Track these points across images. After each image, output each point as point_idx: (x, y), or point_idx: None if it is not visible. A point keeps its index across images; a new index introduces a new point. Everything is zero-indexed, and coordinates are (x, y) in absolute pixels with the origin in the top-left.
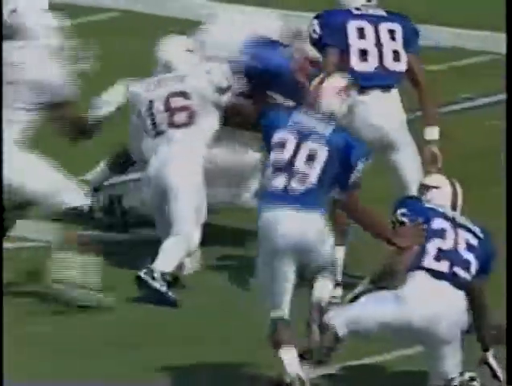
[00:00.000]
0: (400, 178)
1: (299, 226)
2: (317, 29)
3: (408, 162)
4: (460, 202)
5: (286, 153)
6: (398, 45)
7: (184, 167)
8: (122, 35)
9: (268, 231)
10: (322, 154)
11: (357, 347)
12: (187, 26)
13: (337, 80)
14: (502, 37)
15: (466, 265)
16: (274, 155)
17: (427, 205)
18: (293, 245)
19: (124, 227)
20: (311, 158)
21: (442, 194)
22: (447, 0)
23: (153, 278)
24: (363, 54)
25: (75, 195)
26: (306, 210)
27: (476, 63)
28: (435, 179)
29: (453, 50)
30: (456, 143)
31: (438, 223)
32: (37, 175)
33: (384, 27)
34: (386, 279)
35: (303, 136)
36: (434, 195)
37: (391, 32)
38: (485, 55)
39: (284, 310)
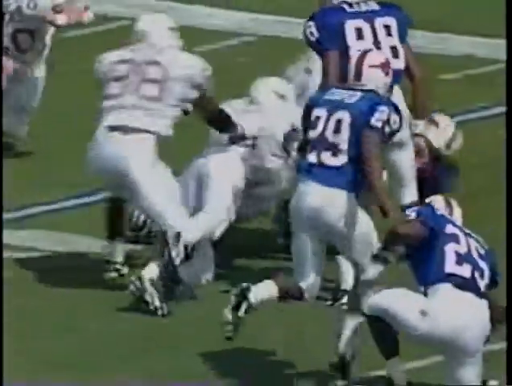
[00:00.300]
0: (397, 176)
1: (322, 200)
2: (314, 32)
3: (407, 162)
4: (456, 219)
5: (319, 129)
6: (395, 40)
7: (226, 166)
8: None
9: (296, 203)
10: (346, 121)
11: (373, 358)
12: (196, 35)
13: (379, 56)
14: None
15: (481, 272)
16: (310, 133)
17: (439, 213)
18: (314, 218)
19: None
20: (337, 127)
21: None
22: (460, 8)
23: (175, 244)
24: None
25: (191, 231)
26: (333, 186)
27: (490, 72)
28: (431, 198)
29: (468, 58)
30: (471, 152)
31: (451, 229)
32: (165, 198)
33: (380, 23)
34: (392, 244)
35: (332, 109)
36: None
37: (387, 28)
38: (499, 63)
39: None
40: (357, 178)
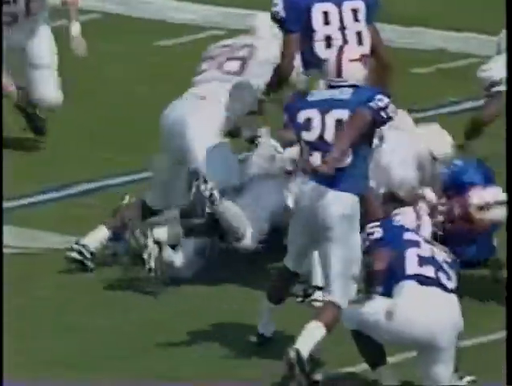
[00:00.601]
0: None
1: (324, 202)
2: (281, 11)
3: None
4: (426, 227)
5: (316, 130)
6: (361, 25)
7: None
8: (102, 37)
9: (300, 202)
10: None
11: (344, 355)
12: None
13: (356, 49)
14: (487, 39)
15: (448, 275)
16: (305, 135)
17: (396, 223)
18: (312, 219)
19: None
20: (338, 126)
21: (403, 217)
22: (433, 2)
23: (205, 182)
24: (327, 40)
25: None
26: (338, 188)
27: (462, 66)
28: (400, 209)
29: (440, 52)
30: None
31: (410, 235)
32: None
33: (347, 7)
34: (371, 279)
35: (325, 108)
36: (395, 218)
37: (354, 12)
38: (471, 58)
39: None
40: (363, 179)
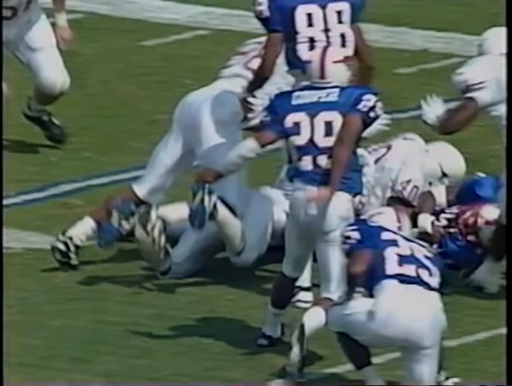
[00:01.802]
0: None
1: (320, 205)
2: (264, 10)
3: None
4: (407, 226)
5: (305, 135)
6: (345, 27)
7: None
8: (86, 37)
9: (295, 209)
10: (336, 121)
11: (328, 357)
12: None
13: (339, 51)
14: (470, 39)
15: (430, 271)
16: (294, 139)
17: (373, 224)
18: (308, 222)
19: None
20: (328, 129)
21: (384, 218)
22: (416, 2)
23: (209, 193)
24: (310, 41)
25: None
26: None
27: (446, 67)
28: (380, 209)
29: (423, 53)
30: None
31: (387, 235)
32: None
33: (332, 9)
34: (353, 283)
35: (313, 111)
36: (376, 219)
37: (339, 14)
38: (454, 58)
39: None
40: (358, 179)
